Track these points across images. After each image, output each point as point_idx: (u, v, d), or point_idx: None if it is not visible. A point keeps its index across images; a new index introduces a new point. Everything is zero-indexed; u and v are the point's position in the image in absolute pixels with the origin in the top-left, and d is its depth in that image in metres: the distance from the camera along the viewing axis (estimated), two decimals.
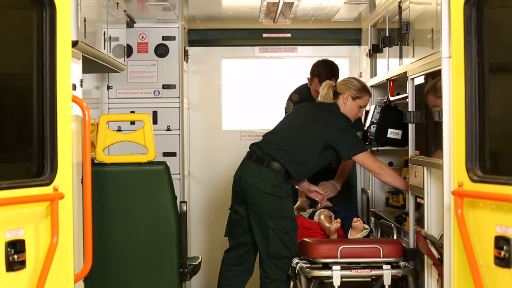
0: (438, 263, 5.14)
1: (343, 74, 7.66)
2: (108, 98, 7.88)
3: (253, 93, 8.79)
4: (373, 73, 7.64)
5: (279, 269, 6.42)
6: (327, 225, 6.49)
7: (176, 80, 7.89)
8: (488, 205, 4.01)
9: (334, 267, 6.01)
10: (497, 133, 4.28)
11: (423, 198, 5.51)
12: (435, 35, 5.04)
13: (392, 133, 6.90)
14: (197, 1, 7.18)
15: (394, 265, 6.06)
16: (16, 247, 3.86)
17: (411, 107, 5.79)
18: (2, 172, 4.13)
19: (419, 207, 5.74)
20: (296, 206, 7.20)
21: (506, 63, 4.33)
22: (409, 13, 5.89)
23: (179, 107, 7.88)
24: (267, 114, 8.21)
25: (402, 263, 6.06)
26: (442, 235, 4.96)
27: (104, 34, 5.69)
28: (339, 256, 6.05)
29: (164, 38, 7.89)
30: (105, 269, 5.71)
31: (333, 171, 7.27)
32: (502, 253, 3.87)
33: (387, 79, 6.79)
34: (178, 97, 7.88)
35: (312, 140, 6.50)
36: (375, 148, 7.22)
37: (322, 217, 6.64)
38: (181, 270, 5.81)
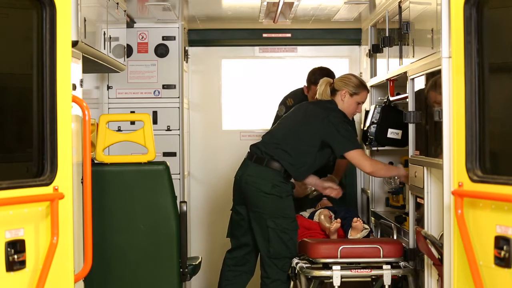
0: (438, 263, 5.14)
1: None
2: (108, 98, 7.88)
3: (253, 93, 8.79)
4: (373, 73, 7.64)
5: (280, 269, 6.42)
6: (327, 225, 6.49)
7: (176, 80, 7.89)
8: (488, 205, 4.01)
9: (334, 267, 6.01)
10: (497, 133, 4.28)
11: (423, 198, 5.51)
12: (435, 35, 5.04)
13: (392, 133, 6.90)
14: (197, 1, 7.18)
15: (394, 265, 6.06)
16: (16, 247, 3.86)
17: (411, 107, 5.79)
18: (2, 172, 4.13)
19: (419, 207, 5.74)
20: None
21: (506, 63, 4.33)
22: (409, 13, 5.89)
23: (179, 107, 7.88)
24: (267, 114, 8.20)
25: (402, 263, 6.06)
26: (442, 235, 4.96)
27: (104, 34, 5.69)
28: (339, 256, 6.05)
29: (164, 38, 7.89)
30: (105, 269, 5.71)
31: (329, 167, 7.26)
32: (502, 253, 3.87)
33: (387, 79, 6.79)
34: (178, 97, 7.88)
35: (310, 138, 6.50)
36: (375, 148, 7.22)
37: (322, 217, 6.64)
38: (181, 270, 5.81)
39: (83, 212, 4.61)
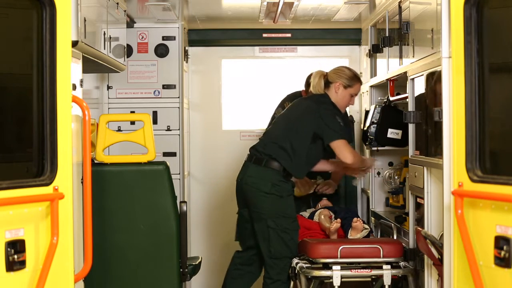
0: (438, 263, 5.13)
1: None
2: (108, 98, 7.87)
3: (253, 93, 8.79)
4: (373, 73, 7.63)
5: (281, 269, 6.42)
6: (327, 225, 6.49)
7: (176, 80, 7.89)
8: (488, 205, 4.01)
9: (334, 267, 6.01)
10: (497, 133, 4.28)
11: (423, 198, 5.51)
12: (435, 35, 5.04)
13: (392, 133, 6.90)
14: (197, 1, 7.18)
15: (394, 265, 6.06)
16: (16, 247, 3.86)
17: (411, 107, 5.79)
18: (2, 172, 4.13)
19: (419, 207, 5.74)
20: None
21: (506, 63, 4.32)
22: (409, 13, 5.89)
23: (179, 107, 7.88)
24: (267, 114, 8.19)
25: (402, 263, 6.06)
26: (442, 235, 4.96)
27: (104, 34, 5.69)
28: (339, 256, 6.05)
29: (164, 38, 7.89)
30: (105, 269, 5.71)
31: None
32: (502, 253, 3.87)
33: (387, 79, 6.79)
34: (178, 97, 7.88)
35: (304, 132, 6.52)
36: (375, 148, 7.22)
37: (322, 217, 6.64)
38: (181, 270, 5.81)
39: (83, 212, 4.61)
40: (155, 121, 7.79)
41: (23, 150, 4.30)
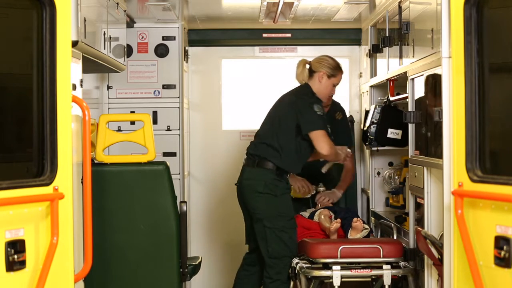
0: (438, 263, 5.13)
1: (343, 75, 7.64)
2: (108, 98, 7.87)
3: (253, 93, 8.79)
4: (373, 73, 7.63)
5: (280, 269, 6.42)
6: (327, 225, 6.49)
7: (176, 80, 7.89)
8: (488, 205, 4.01)
9: (334, 267, 6.01)
10: (497, 133, 4.28)
11: (423, 198, 5.51)
12: (435, 35, 5.04)
13: (392, 133, 6.91)
14: (197, 1, 7.18)
15: (394, 265, 6.06)
16: (16, 247, 3.86)
17: (411, 107, 5.79)
18: (2, 172, 4.13)
19: (419, 207, 5.74)
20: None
21: (506, 63, 4.32)
22: (409, 13, 5.89)
23: (179, 107, 7.87)
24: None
25: (402, 263, 6.06)
26: (442, 235, 4.96)
27: (104, 34, 5.69)
28: (339, 256, 6.05)
29: (164, 38, 7.89)
30: (105, 269, 5.71)
31: (323, 175, 7.19)
32: (502, 253, 3.87)
33: (387, 79, 6.80)
34: (178, 97, 7.88)
35: (288, 126, 6.56)
36: (375, 148, 7.22)
37: (322, 217, 6.64)
38: (181, 270, 5.81)
39: (83, 212, 4.61)
40: (155, 121, 7.79)
41: (23, 150, 4.30)
